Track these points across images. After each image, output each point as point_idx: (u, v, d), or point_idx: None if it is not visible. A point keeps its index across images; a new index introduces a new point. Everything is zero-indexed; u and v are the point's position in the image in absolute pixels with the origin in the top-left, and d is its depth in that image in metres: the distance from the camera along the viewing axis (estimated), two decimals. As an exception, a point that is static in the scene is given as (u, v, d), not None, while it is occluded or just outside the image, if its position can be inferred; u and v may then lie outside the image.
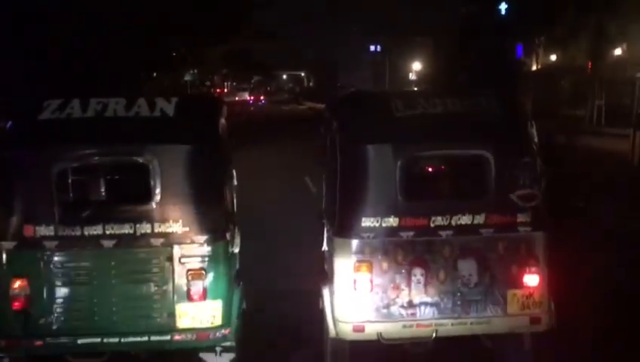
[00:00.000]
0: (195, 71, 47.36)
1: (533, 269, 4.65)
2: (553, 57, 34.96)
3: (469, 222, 4.61)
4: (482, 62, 34.71)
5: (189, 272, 4.35)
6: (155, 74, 32.34)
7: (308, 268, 6.16)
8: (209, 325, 4.41)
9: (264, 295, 6.24)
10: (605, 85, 26.01)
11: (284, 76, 70.78)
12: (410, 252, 4.58)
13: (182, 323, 4.38)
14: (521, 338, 4.82)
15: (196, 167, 4.41)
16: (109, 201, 5.15)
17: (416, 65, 48.39)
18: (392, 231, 4.56)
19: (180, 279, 4.36)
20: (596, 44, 27.12)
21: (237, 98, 57.10)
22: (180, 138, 4.48)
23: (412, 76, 48.04)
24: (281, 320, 6.02)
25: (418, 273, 4.59)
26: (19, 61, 16.31)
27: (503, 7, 33.77)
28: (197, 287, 4.35)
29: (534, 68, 37.64)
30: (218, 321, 4.43)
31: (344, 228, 4.62)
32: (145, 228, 4.35)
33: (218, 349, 4.57)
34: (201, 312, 4.39)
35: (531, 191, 4.71)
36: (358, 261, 4.55)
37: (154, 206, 4.38)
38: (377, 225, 4.56)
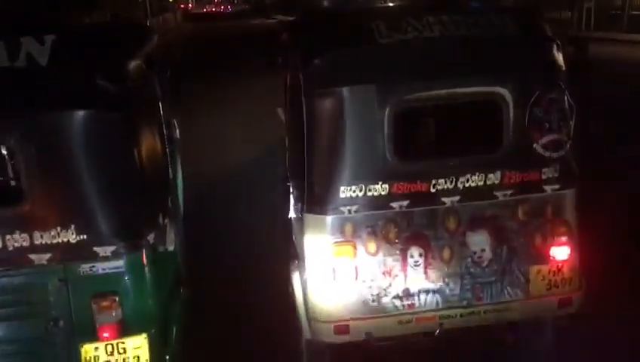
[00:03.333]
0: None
1: (562, 238, 3.61)
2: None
3: (481, 183, 3.51)
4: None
5: (95, 299, 3.11)
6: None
7: (275, 241, 5.03)
8: None
9: (217, 289, 4.97)
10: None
11: (253, -13, 67.33)
12: (405, 227, 3.48)
13: None
14: (546, 323, 3.84)
15: (90, 142, 3.05)
16: None
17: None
18: (380, 202, 3.44)
19: (81, 310, 3.12)
20: None
21: (205, 10, 56.83)
22: (58, 101, 3.06)
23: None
24: (240, 326, 4.63)
25: (416, 253, 3.52)
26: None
27: None
28: (108, 320, 3.11)
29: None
30: None
31: (316, 202, 3.48)
32: (19, 240, 3.05)
33: None
34: (118, 355, 3.15)
35: (559, 136, 3.60)
36: (338, 243, 3.45)
37: (27, 207, 3.05)
38: (360, 194, 3.43)
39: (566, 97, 3.64)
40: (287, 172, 4.59)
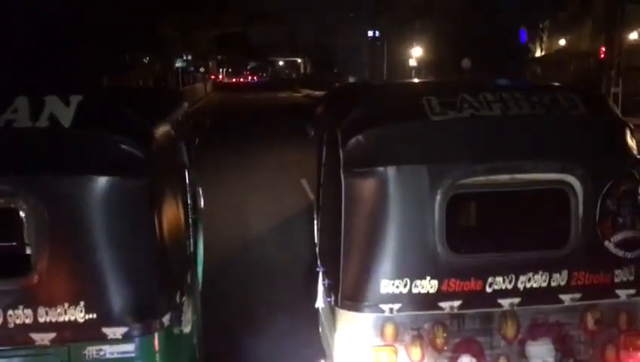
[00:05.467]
0: (188, 57, 45.46)
1: (638, 353, 3.08)
2: (562, 42, 33.41)
3: (544, 284, 3.03)
4: (485, 48, 33.18)
5: None
6: (146, 59, 30.30)
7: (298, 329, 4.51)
8: None
9: None
10: (622, 72, 24.38)
11: (281, 62, 69.15)
12: (455, 332, 2.99)
13: None
14: None
15: (109, 211, 2.77)
16: None
17: (417, 51, 46.56)
18: (427, 301, 2.96)
19: None
20: (610, 28, 25.50)
21: (233, 80, 58.85)
22: (78, 166, 2.79)
23: (412, 62, 46.18)
24: None
25: (467, 363, 3.00)
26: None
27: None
28: None
29: (538, 54, 36.19)
30: None
31: (353, 296, 3.01)
32: (22, 316, 2.72)
33: None
34: None
35: (634, 233, 3.13)
36: (376, 347, 2.96)
37: (34, 279, 2.74)
38: (405, 290, 2.96)
39: (640, 189, 3.19)
40: (316, 255, 4.13)
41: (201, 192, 5.33)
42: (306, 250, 5.55)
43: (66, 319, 2.74)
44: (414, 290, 2.95)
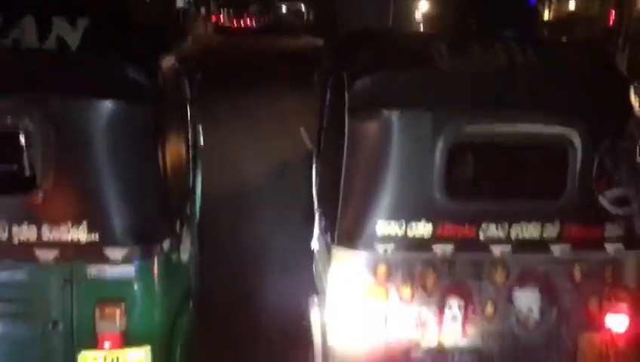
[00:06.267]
0: (189, -4, 44.49)
1: (621, 306, 3.19)
2: (571, 6, 32.88)
3: (537, 235, 3.11)
4: (493, 7, 32.61)
5: (99, 305, 2.83)
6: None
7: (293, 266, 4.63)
8: None
9: (227, 308, 4.61)
10: (630, 39, 24.13)
11: (284, 8, 67.89)
12: (445, 274, 3.08)
13: None
14: None
15: (115, 135, 2.82)
16: None
17: (423, 5, 45.82)
18: (421, 243, 3.04)
19: (84, 315, 2.84)
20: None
21: (234, 23, 57.77)
22: (87, 88, 2.81)
23: (418, 17, 45.50)
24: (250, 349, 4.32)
25: (455, 305, 3.11)
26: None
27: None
28: (110, 328, 2.82)
29: (546, 18, 35.65)
30: None
31: (349, 234, 3.08)
32: (25, 232, 2.79)
33: None
34: None
35: (627, 191, 3.19)
36: (368, 284, 3.05)
37: (41, 197, 2.78)
38: (400, 232, 3.03)
39: (638, 149, 3.25)
40: (314, 197, 4.20)
41: (201, 130, 5.35)
42: (302, 193, 5.62)
43: (69, 238, 2.79)
44: (409, 232, 3.03)
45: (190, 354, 3.38)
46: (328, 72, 4.07)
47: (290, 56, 27.95)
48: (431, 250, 3.05)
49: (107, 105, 2.79)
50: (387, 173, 3.02)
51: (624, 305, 3.18)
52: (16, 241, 2.79)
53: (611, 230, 3.17)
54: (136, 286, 2.89)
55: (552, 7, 35.87)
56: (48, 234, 2.79)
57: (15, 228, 2.78)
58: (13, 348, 2.87)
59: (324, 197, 3.76)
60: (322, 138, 4.33)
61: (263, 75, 19.24)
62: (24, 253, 2.80)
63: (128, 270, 2.86)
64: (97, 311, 2.82)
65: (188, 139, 3.95)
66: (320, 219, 3.73)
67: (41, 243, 2.80)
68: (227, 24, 58.84)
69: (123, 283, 2.86)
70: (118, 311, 2.83)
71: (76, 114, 2.79)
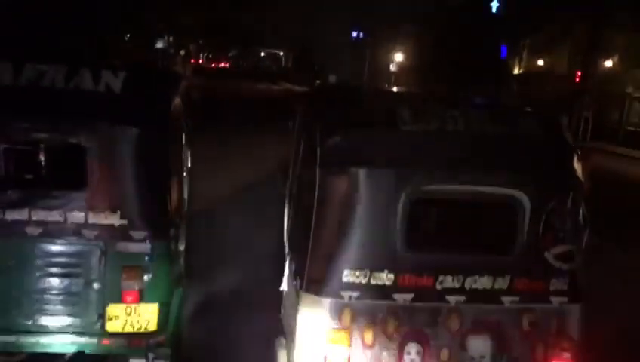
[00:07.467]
0: (170, 38, 45.06)
1: (564, 355, 3.46)
2: (540, 62, 34.18)
3: (489, 286, 3.38)
4: (466, 60, 33.61)
5: (124, 271, 3.86)
6: (127, 36, 29.94)
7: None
8: (142, 330, 3.96)
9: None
10: (595, 97, 25.17)
11: (262, 53, 69.03)
12: (405, 321, 3.33)
13: (112, 326, 3.93)
14: None
15: (142, 152, 3.88)
16: (38, 184, 4.50)
17: (398, 57, 46.97)
18: (384, 292, 3.29)
19: (113, 278, 3.87)
20: (588, 53, 26.25)
21: (213, 65, 58.63)
22: (125, 119, 3.93)
23: (392, 67, 46.56)
24: (225, 326, 5.37)
25: (413, 350, 3.35)
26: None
27: (495, 4, 32.64)
28: (131, 288, 3.87)
29: (516, 71, 36.89)
30: (153, 326, 3.97)
31: (317, 281, 3.33)
32: (76, 217, 3.82)
33: (151, 356, 4.05)
34: (134, 316, 3.92)
35: (571, 248, 3.51)
36: (333, 329, 3.28)
37: (89, 193, 3.83)
38: (364, 281, 3.29)
39: (581, 209, 3.57)
40: (285, 241, 4.44)
41: (189, 155, 6.11)
42: (273, 234, 5.91)
43: (106, 222, 3.81)
44: (372, 281, 3.28)
45: (182, 314, 4.55)
46: (302, 125, 4.37)
47: (267, 102, 28.52)
48: (392, 298, 3.30)
49: (138, 130, 3.86)
50: (354, 226, 3.29)
51: (568, 354, 3.45)
52: (69, 223, 3.81)
53: (556, 284, 3.46)
54: (150, 259, 3.87)
55: (522, 63, 37.28)
56: (92, 219, 3.80)
57: (69, 214, 3.79)
58: (62, 299, 3.86)
59: (294, 244, 4.00)
60: (294, 185, 4.60)
61: (240, 121, 19.61)
62: (74, 232, 3.82)
63: (145, 247, 3.86)
64: (123, 274, 3.81)
65: (182, 160, 5.09)
66: (290, 264, 3.96)
67: (86, 225, 3.81)
68: (206, 66, 59.47)
69: (141, 256, 3.85)
70: (137, 275, 3.82)
71: (117, 136, 3.84)
